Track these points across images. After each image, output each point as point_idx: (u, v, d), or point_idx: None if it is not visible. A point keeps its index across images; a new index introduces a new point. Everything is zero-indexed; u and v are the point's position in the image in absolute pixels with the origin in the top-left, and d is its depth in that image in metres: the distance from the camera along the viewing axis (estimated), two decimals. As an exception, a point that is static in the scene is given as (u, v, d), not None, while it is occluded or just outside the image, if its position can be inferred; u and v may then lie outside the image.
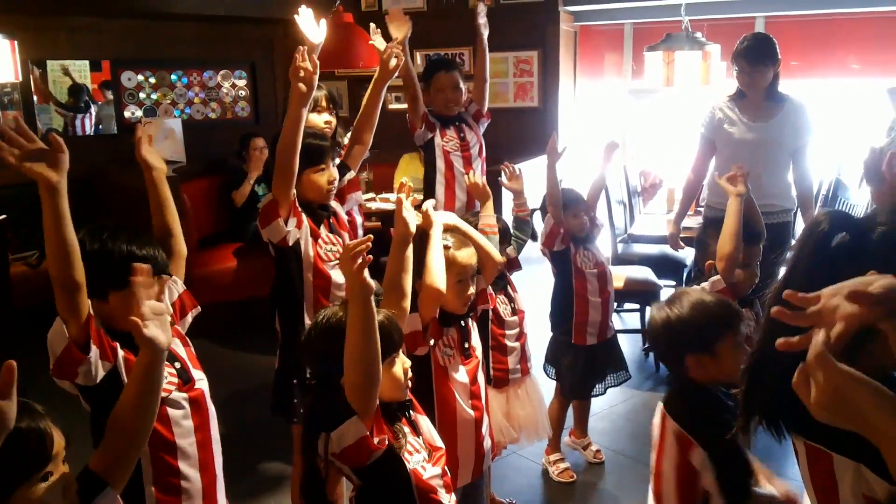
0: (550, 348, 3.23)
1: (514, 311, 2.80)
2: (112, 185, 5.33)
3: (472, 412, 2.17)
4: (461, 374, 2.18)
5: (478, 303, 2.30)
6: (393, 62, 2.73)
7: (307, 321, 2.40)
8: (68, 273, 1.56)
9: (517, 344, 2.78)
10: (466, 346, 2.22)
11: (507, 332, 2.76)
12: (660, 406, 1.88)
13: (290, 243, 2.39)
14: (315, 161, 2.43)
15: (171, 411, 1.74)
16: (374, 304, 1.59)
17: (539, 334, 3.26)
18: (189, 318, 1.97)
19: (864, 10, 5.16)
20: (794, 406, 1.02)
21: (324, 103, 3.14)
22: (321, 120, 3.13)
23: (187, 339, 1.92)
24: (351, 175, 2.91)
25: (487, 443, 2.26)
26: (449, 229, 2.23)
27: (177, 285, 1.92)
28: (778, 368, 1.17)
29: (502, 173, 3.04)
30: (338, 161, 2.86)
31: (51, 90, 5.43)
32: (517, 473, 3.20)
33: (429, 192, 3.65)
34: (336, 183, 2.52)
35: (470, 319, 2.26)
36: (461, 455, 2.15)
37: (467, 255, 2.19)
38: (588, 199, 3.18)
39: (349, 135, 3.18)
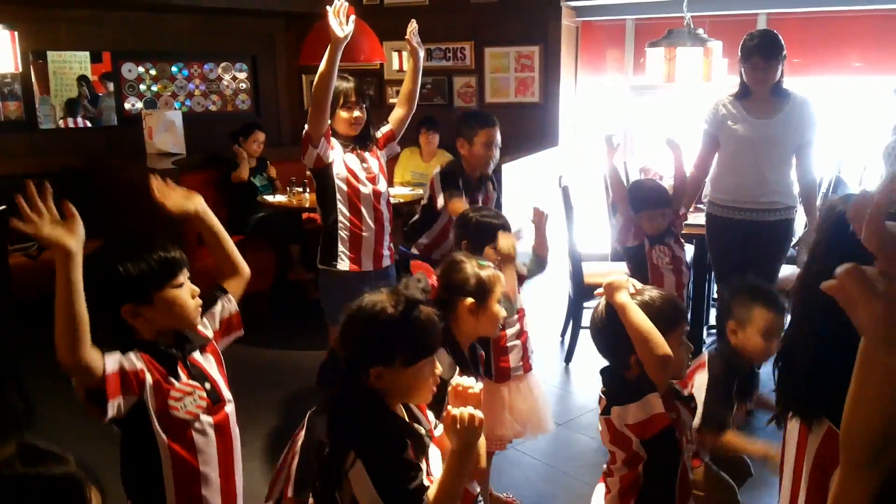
0: None
1: (515, 311, 2.80)
2: (111, 176, 5.32)
3: None
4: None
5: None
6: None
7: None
8: (77, 354, 1.53)
9: (518, 342, 2.79)
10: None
11: (508, 331, 2.76)
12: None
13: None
14: None
15: (196, 437, 1.73)
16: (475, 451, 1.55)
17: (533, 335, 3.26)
18: (231, 339, 1.97)
19: (867, 8, 5.15)
20: (827, 390, 1.01)
21: (353, 98, 3.11)
22: (351, 115, 3.11)
23: (222, 359, 1.90)
24: (386, 128, 3.32)
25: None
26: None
27: (231, 304, 1.92)
28: (807, 354, 1.18)
29: (532, 215, 2.92)
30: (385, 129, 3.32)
31: (50, 82, 5.42)
32: (515, 468, 3.20)
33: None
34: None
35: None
36: None
37: (501, 275, 2.21)
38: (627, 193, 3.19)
39: (382, 128, 3.31)
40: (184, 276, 1.75)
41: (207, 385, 1.78)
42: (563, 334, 4.57)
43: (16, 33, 4.65)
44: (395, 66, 6.14)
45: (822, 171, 4.35)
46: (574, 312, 4.34)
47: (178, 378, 1.73)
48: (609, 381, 1.95)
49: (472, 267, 2.14)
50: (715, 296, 4.25)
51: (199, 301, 1.79)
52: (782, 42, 3.36)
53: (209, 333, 1.86)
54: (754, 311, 2.36)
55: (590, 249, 4.44)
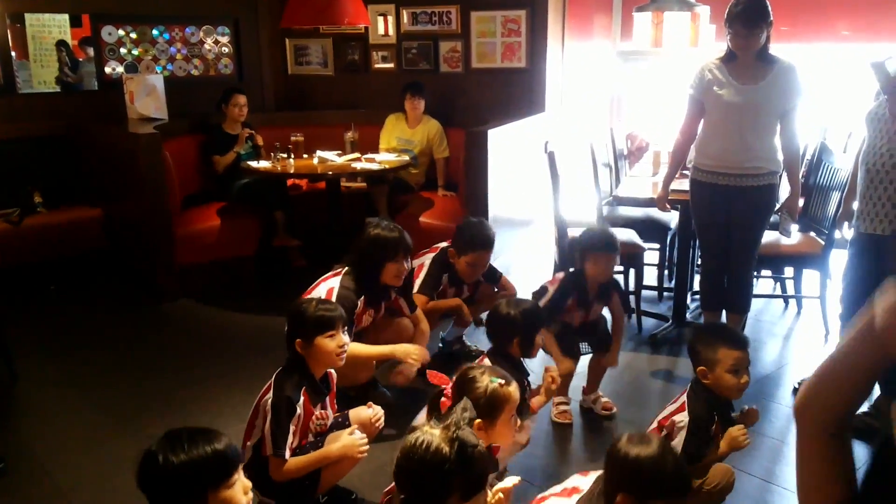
0: None
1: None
2: (91, 140, 5.25)
3: None
4: None
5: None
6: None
7: None
8: None
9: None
10: None
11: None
12: None
13: None
14: (326, 328, 2.52)
15: None
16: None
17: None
18: None
19: (855, -26, 5.13)
20: None
21: (401, 251, 3.13)
22: (401, 268, 3.16)
23: None
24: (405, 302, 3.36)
25: None
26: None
27: None
28: None
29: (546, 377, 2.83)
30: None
31: (29, 46, 5.31)
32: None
33: None
34: (346, 348, 2.57)
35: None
36: None
37: (515, 388, 2.19)
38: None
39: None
40: (238, 474, 1.73)
41: None
42: (548, 301, 4.58)
43: (-9, -6, 4.55)
44: (381, 30, 6.06)
45: (807, 138, 4.36)
46: (559, 279, 4.35)
47: None
48: None
49: (484, 383, 2.13)
50: (699, 262, 4.27)
51: (251, 496, 1.76)
52: (768, 9, 3.34)
53: None
54: (719, 351, 2.44)
55: (575, 216, 4.44)
